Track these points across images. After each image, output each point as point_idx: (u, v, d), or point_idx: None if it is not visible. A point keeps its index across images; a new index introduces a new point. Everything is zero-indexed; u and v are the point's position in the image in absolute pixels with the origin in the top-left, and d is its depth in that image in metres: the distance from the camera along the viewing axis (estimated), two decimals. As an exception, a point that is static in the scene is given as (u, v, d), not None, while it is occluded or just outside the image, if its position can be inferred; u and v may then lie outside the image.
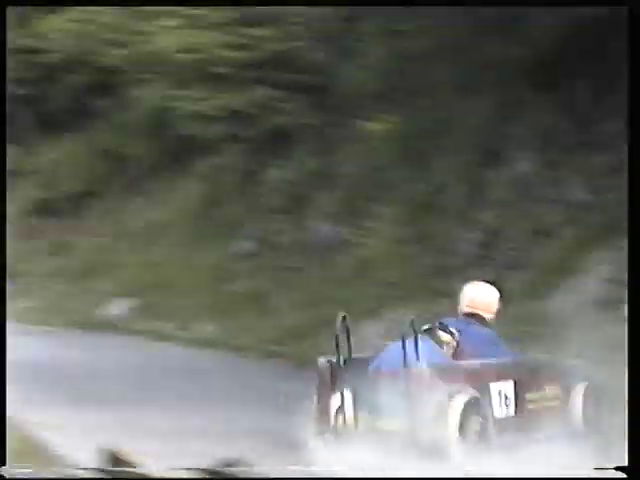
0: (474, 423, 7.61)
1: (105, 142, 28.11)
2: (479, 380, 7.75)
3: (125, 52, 23.81)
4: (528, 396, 8.26)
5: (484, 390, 7.79)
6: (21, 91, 30.04)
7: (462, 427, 7.48)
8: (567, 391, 8.60)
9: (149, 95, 24.72)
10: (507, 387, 8.03)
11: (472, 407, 7.55)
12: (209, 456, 7.62)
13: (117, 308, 21.87)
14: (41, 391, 12.26)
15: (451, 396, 7.45)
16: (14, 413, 10.76)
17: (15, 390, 12.25)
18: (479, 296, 8.45)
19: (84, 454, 8.56)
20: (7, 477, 2.29)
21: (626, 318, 5.03)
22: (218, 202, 22.70)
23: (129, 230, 25.21)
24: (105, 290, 22.59)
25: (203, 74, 22.36)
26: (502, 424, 7.94)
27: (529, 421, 8.16)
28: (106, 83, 27.51)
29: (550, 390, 8.52)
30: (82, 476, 2.48)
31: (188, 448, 8.79)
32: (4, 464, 5.71)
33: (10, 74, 29.65)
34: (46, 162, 29.85)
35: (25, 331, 21.38)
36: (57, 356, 16.63)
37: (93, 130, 28.94)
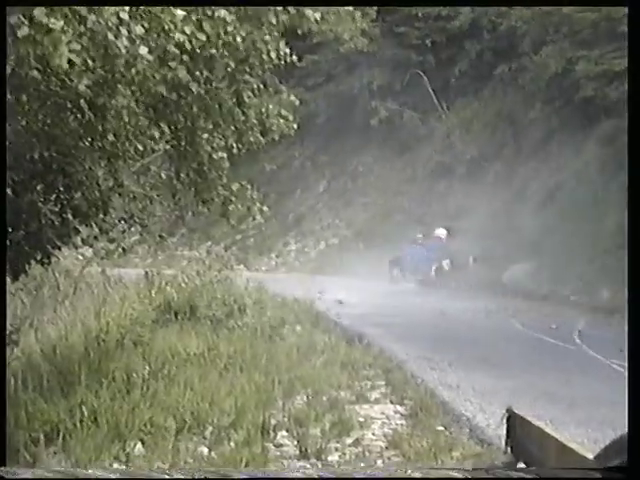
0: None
1: (504, 106, 28.07)
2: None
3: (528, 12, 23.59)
4: None
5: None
6: (420, 58, 30.83)
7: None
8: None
9: (549, 58, 24.28)
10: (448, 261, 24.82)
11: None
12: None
13: (515, 272, 21.87)
14: (437, 349, 12.53)
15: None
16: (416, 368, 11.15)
17: (416, 347, 12.72)
18: None
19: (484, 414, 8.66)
20: (7, 477, 2.29)
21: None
22: (621, 166, 21.81)
23: (523, 194, 25.04)
24: (502, 254, 22.61)
25: (604, 32, 21.49)
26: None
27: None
28: (505, 47, 27.41)
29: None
30: (84, 476, 2.42)
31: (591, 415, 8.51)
32: (4, 464, 5.77)
33: (411, 40, 30.54)
34: (442, 127, 30.44)
35: (423, 292, 22.05)
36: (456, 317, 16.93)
37: (492, 94, 29.02)
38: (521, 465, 6.55)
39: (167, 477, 2.62)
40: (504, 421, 7.00)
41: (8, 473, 2.51)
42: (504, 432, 6.95)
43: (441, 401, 9.42)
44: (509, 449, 6.94)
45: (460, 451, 7.46)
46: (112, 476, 2.58)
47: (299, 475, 3.01)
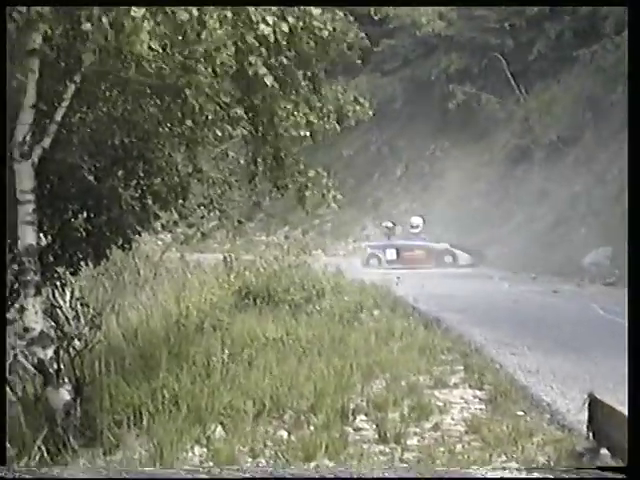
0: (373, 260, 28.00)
1: (584, 89, 27.58)
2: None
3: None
4: (405, 254, 27.77)
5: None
6: (498, 41, 30.44)
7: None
8: (429, 252, 27.68)
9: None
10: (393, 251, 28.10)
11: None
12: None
13: (596, 256, 21.56)
14: (516, 334, 12.39)
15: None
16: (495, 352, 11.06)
17: (494, 331, 12.60)
18: None
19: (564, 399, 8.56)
20: (7, 477, 2.29)
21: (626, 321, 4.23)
22: None
23: (603, 178, 24.62)
24: (580, 238, 22.29)
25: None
26: (390, 262, 27.45)
27: (406, 261, 27.31)
28: (586, 29, 26.93)
29: (418, 251, 27.81)
30: (85, 476, 2.40)
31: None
32: (4, 464, 5.74)
33: (490, 24, 30.18)
34: (521, 111, 30.05)
35: (503, 276, 21.86)
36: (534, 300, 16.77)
37: (572, 77, 28.54)
38: (604, 451, 6.49)
39: (168, 477, 2.63)
40: (586, 406, 6.94)
41: (8, 473, 2.55)
42: (585, 417, 6.90)
43: (520, 386, 9.33)
44: (591, 435, 6.88)
45: (540, 436, 7.38)
46: (113, 476, 2.60)
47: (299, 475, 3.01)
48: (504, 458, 6.82)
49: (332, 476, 3.07)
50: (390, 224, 29.31)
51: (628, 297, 4.07)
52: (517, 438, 7.27)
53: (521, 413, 8.19)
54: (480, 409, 8.46)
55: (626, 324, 4.54)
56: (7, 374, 8.46)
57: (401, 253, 28.06)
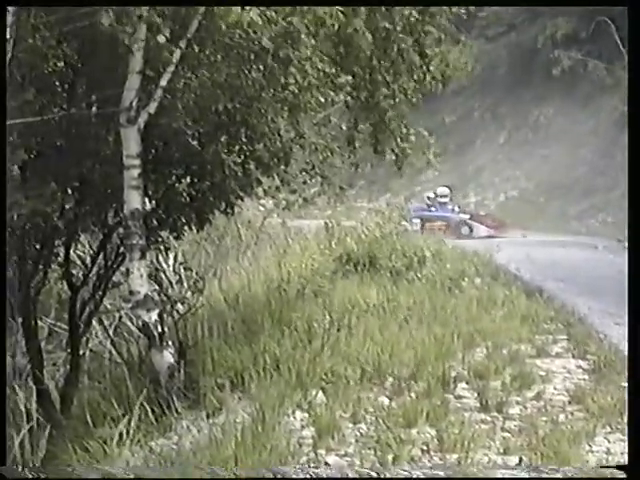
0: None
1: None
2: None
3: None
4: (427, 224, 28.29)
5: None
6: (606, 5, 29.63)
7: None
8: (449, 223, 28.90)
9: None
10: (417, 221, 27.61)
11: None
12: None
13: None
14: (621, 304, 12.10)
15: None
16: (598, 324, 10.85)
17: (598, 301, 12.36)
18: None
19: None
20: (7, 477, 2.24)
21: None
22: None
23: None
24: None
25: None
26: (415, 231, 23.53)
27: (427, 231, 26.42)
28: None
29: (440, 222, 28.85)
30: (83, 476, 2.34)
31: None
32: (4, 464, 5.62)
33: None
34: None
35: (607, 246, 21.44)
36: None
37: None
38: None
39: (168, 477, 2.64)
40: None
41: (8, 472, 2.59)
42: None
43: (625, 356, 9.11)
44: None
45: (647, 409, 7.20)
46: (122, 476, 2.61)
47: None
48: (608, 429, 6.69)
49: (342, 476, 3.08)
50: (432, 194, 29.93)
51: (628, 298, 3.92)
52: (622, 410, 7.11)
53: (626, 384, 8.01)
54: (584, 379, 8.30)
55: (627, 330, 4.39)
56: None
57: (424, 223, 28.70)
